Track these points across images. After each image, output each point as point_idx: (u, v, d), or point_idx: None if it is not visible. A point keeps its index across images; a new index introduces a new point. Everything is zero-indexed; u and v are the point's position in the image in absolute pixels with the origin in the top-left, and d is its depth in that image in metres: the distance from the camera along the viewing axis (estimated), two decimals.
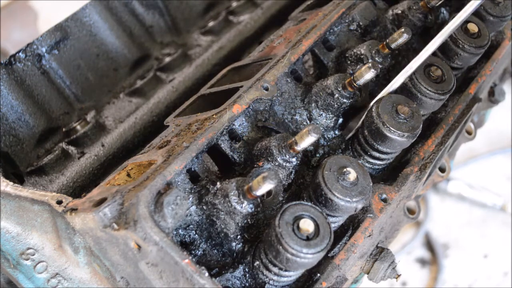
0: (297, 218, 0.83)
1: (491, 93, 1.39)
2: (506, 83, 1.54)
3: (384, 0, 1.27)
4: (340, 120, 1.06)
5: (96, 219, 0.83)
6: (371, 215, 0.98)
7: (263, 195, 0.86)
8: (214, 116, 0.97)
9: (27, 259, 1.00)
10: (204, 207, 0.88)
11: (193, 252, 0.89)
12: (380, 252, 1.02)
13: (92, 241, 0.89)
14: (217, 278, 0.87)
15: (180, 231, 0.88)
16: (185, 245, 0.89)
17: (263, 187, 0.82)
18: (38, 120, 1.30)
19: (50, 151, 1.27)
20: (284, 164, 0.93)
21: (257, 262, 0.87)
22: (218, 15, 1.59)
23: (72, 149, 1.27)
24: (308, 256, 0.80)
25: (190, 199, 0.88)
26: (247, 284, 0.89)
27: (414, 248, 2.55)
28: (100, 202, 0.84)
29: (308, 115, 1.06)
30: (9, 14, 2.64)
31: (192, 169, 0.92)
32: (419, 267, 2.50)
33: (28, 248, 1.00)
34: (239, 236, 0.89)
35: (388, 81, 1.06)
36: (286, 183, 0.95)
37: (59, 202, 0.93)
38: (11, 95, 1.27)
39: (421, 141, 1.10)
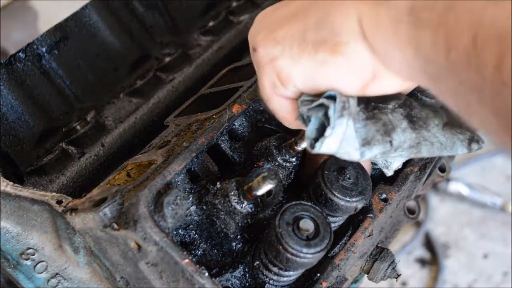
0: (297, 218, 0.83)
1: None
2: None
3: None
4: None
5: (96, 219, 0.83)
6: (371, 215, 0.98)
7: (263, 195, 0.86)
8: (214, 116, 0.97)
9: (27, 259, 1.00)
10: (204, 207, 0.88)
11: (193, 252, 0.89)
12: (380, 252, 1.02)
13: (92, 241, 0.89)
14: (217, 278, 0.87)
15: (180, 231, 0.88)
16: (185, 245, 0.89)
17: (263, 187, 0.82)
18: (38, 120, 1.30)
19: (50, 151, 1.27)
20: (284, 164, 0.93)
21: (257, 262, 0.87)
22: (218, 15, 1.58)
23: (72, 149, 1.27)
24: (308, 256, 0.80)
25: (190, 199, 0.88)
26: (247, 284, 0.89)
27: (414, 248, 2.55)
28: (100, 202, 0.84)
29: None
30: (9, 14, 2.64)
31: (192, 169, 0.92)
32: (419, 267, 2.50)
33: (28, 248, 1.00)
34: (239, 236, 0.89)
35: None
36: (286, 183, 0.95)
37: (59, 202, 0.93)
38: (11, 95, 1.27)
39: None
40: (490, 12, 0.52)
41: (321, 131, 0.73)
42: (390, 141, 0.76)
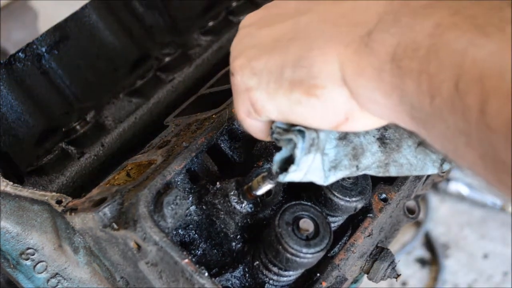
0: (297, 218, 0.83)
1: None
2: None
3: None
4: None
5: (96, 219, 0.83)
6: (371, 214, 0.98)
7: (263, 195, 0.86)
8: (213, 116, 0.97)
9: (27, 259, 1.00)
10: (204, 207, 0.88)
11: (193, 252, 0.89)
12: (380, 252, 1.02)
13: (92, 241, 0.89)
14: (217, 278, 0.87)
15: (179, 231, 0.88)
16: (185, 245, 0.89)
17: (263, 187, 0.82)
18: (38, 120, 1.30)
19: (50, 151, 1.27)
20: None
21: (257, 262, 0.87)
22: (218, 15, 1.58)
23: (71, 149, 1.27)
24: (308, 256, 0.80)
25: (190, 199, 0.88)
26: (246, 284, 0.89)
27: (414, 248, 2.55)
28: (100, 202, 0.84)
29: None
30: (9, 14, 2.64)
31: (192, 169, 0.92)
32: (419, 267, 2.50)
33: (28, 248, 1.00)
34: (238, 236, 0.89)
35: None
36: (286, 183, 0.95)
37: (59, 202, 0.93)
38: (11, 95, 1.27)
39: None
40: (471, 53, 0.51)
41: (289, 161, 0.73)
42: (357, 165, 0.76)
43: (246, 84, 0.73)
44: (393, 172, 0.79)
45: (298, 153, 0.71)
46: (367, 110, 0.65)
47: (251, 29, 0.77)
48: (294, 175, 0.73)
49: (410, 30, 0.57)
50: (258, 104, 0.72)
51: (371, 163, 0.77)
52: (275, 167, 0.75)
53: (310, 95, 0.66)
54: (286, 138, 0.72)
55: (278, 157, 0.74)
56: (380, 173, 0.79)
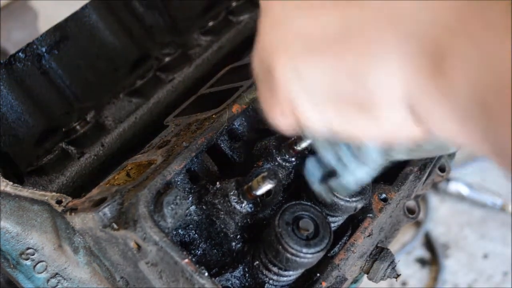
0: (297, 218, 0.83)
1: None
2: None
3: None
4: None
5: (96, 219, 0.83)
6: (370, 214, 0.98)
7: (262, 195, 0.86)
8: (213, 116, 0.97)
9: (26, 259, 1.00)
10: (204, 207, 0.88)
11: (193, 252, 0.89)
12: (379, 252, 1.02)
13: (92, 241, 0.89)
14: (217, 278, 0.87)
15: (179, 231, 0.88)
16: (185, 245, 0.89)
17: (263, 187, 0.82)
18: (38, 120, 1.30)
19: (50, 151, 1.27)
20: (284, 163, 0.93)
21: (257, 262, 0.87)
22: (218, 15, 1.58)
23: (71, 149, 1.27)
24: (308, 256, 0.80)
25: (190, 199, 0.88)
26: (246, 284, 0.89)
27: (414, 248, 2.55)
28: (100, 202, 0.84)
29: None
30: (9, 14, 2.64)
31: (192, 169, 0.92)
32: (419, 267, 2.50)
33: (28, 248, 1.00)
34: (238, 236, 0.89)
35: None
36: (286, 183, 0.95)
37: (59, 202, 0.93)
38: (11, 95, 1.27)
39: None
40: None
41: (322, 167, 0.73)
42: (386, 159, 0.76)
43: (288, 86, 0.63)
44: (414, 156, 0.78)
45: (345, 173, 0.71)
46: (430, 133, 0.57)
47: (287, 10, 0.63)
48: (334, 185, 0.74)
49: (499, 62, 0.46)
50: (299, 111, 0.64)
51: (398, 153, 0.77)
52: (320, 187, 0.75)
53: (364, 113, 0.58)
54: (329, 150, 0.71)
55: (312, 165, 0.74)
56: (402, 157, 0.78)
